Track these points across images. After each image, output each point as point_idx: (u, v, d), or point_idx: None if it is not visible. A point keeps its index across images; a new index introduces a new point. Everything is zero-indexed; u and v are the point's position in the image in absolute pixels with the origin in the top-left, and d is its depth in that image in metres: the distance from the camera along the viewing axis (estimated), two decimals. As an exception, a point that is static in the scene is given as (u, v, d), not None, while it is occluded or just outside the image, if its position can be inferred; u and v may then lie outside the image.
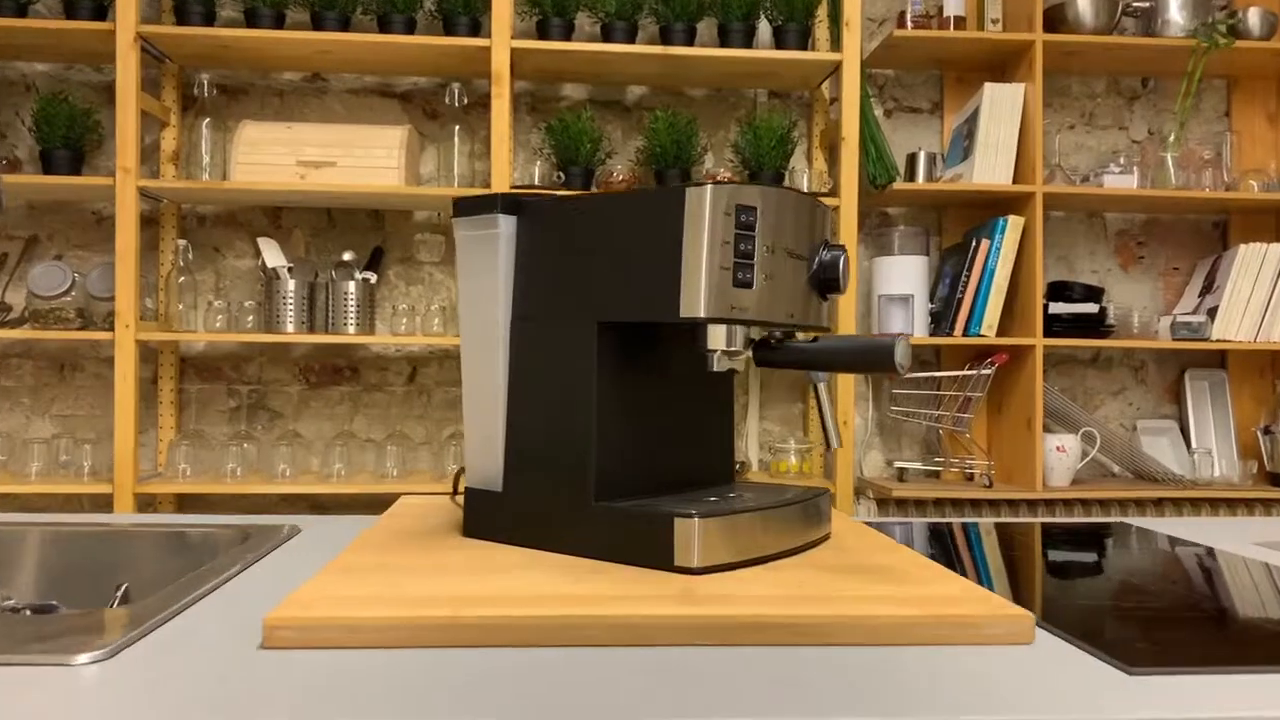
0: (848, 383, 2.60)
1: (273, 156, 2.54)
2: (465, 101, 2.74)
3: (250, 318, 2.68)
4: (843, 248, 0.90)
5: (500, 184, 2.54)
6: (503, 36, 2.54)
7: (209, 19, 2.59)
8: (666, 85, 2.91)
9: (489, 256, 0.89)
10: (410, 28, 2.63)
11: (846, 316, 2.61)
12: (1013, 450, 2.80)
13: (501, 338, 0.89)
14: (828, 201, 2.62)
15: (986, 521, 1.23)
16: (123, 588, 0.87)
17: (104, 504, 2.69)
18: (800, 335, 0.89)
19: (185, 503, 2.79)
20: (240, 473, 2.62)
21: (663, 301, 0.79)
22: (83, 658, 0.60)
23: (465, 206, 0.90)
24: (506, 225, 0.88)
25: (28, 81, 2.79)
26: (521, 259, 0.89)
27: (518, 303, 0.89)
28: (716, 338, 0.87)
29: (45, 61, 2.78)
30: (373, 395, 2.87)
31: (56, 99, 2.56)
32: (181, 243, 2.67)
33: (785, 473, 2.77)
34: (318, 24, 2.60)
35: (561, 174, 2.68)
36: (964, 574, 0.90)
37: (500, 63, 2.54)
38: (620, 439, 0.86)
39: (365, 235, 2.85)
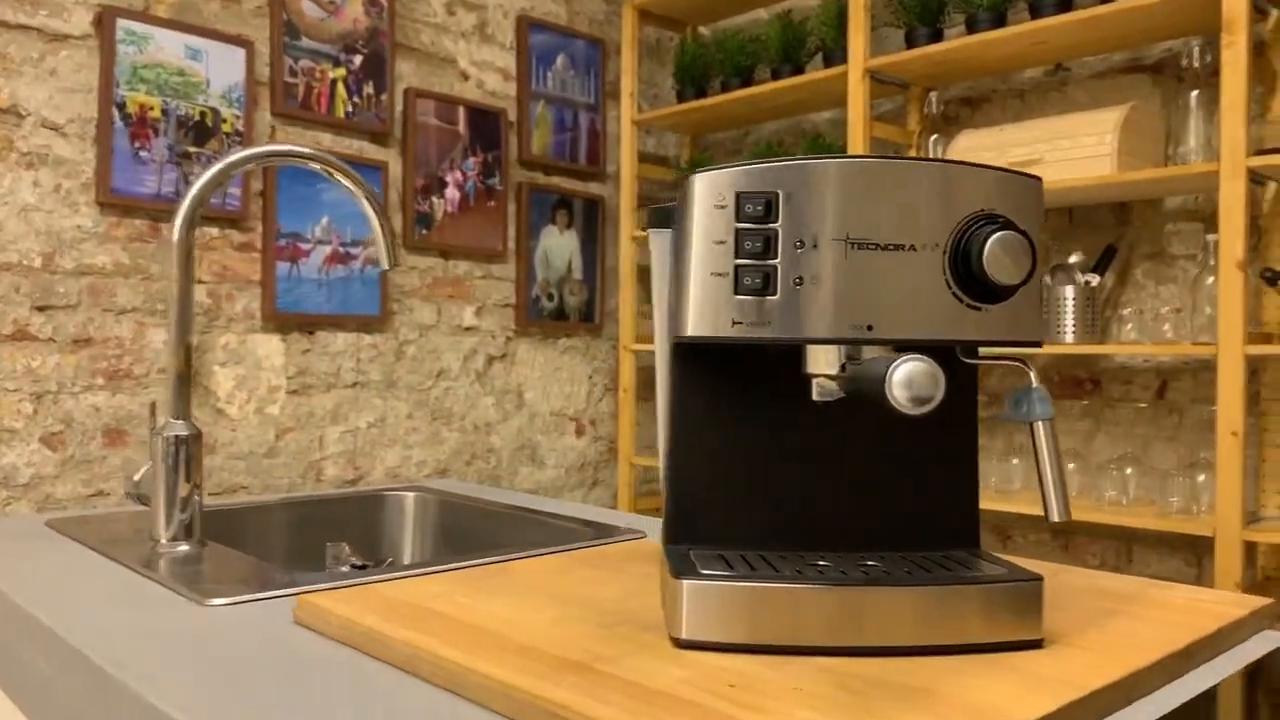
0: None
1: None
2: (1208, 59, 2.26)
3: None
4: (998, 226, 0.61)
5: (1232, 157, 2.04)
6: (1236, -30, 2.03)
7: (937, 37, 2.65)
8: None
9: (656, 275, 0.84)
10: (1136, -11, 2.29)
11: None
12: None
13: (661, 359, 0.83)
14: None
15: None
16: (388, 561, 1.06)
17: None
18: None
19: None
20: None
21: (679, 318, 0.67)
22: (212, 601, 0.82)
23: (651, 220, 0.87)
24: (659, 240, 0.83)
25: (817, 129, 3.22)
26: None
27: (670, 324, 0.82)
28: (814, 359, 0.68)
29: (823, 110, 3.18)
30: (1115, 411, 2.55)
31: (816, 141, 2.93)
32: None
33: None
34: (1035, 13, 2.44)
35: (1336, 127, 2.01)
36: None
37: (1234, 7, 2.04)
38: (714, 476, 0.73)
39: (1109, 232, 2.56)
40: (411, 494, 1.40)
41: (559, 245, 3.30)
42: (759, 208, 0.62)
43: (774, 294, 0.63)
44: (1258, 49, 2.24)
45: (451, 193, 3.00)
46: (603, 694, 0.55)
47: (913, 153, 2.88)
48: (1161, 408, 2.48)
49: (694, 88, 3.24)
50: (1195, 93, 2.24)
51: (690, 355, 0.74)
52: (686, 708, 0.54)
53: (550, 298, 3.28)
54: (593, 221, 3.38)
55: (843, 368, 0.65)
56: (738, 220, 0.63)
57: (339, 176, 1.07)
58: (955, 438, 0.75)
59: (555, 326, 3.29)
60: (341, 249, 2.77)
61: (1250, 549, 2.16)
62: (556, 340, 3.32)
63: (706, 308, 0.63)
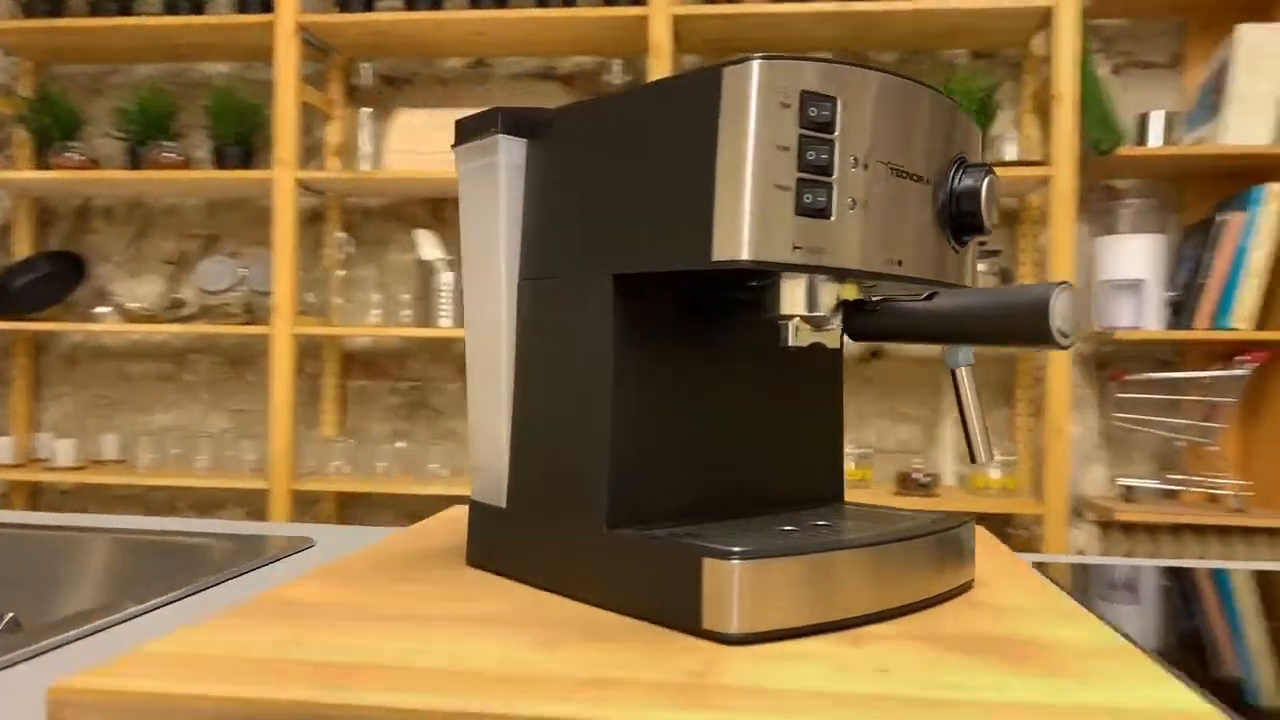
0: (1060, 379, 2.20)
1: (427, 145, 2.44)
2: (628, 79, 2.55)
3: (408, 312, 2.61)
4: (987, 169, 0.61)
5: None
6: (662, 3, 2.32)
7: (369, 6, 2.53)
8: (853, 49, 2.60)
9: (489, 194, 0.67)
10: (570, 1, 2.47)
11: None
12: (1273, 467, 2.30)
13: (505, 302, 0.66)
14: (1037, 173, 2.23)
15: (1243, 567, 0.89)
16: (7, 617, 0.72)
17: (260, 500, 2.68)
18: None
19: (344, 501, 2.75)
20: (395, 473, 2.55)
21: (692, 239, 0.54)
22: None
23: (467, 129, 0.69)
24: (510, 151, 0.66)
25: (211, 83, 2.84)
26: (532, 196, 0.66)
27: (526, 256, 0.66)
28: (792, 298, 0.60)
29: (224, 61, 2.83)
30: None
31: (226, 96, 2.58)
32: (342, 236, 2.63)
33: (984, 489, 2.40)
34: (476, 5, 2.48)
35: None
36: (1190, 668, 0.60)
37: (659, 34, 2.33)
38: (655, 441, 0.61)
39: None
40: None
41: None
42: (825, 113, 0.53)
43: (830, 217, 0.54)
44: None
45: None
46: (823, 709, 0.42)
47: (337, 124, 2.71)
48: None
49: (47, 3, 2.62)
50: (616, 106, 2.50)
51: (637, 297, 0.60)
52: (917, 706, 0.44)
53: None
54: (-115, 153, 2.51)
55: (861, 305, 0.59)
56: (800, 126, 0.53)
57: None
58: (830, 389, 0.73)
59: None
60: None
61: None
62: None
63: (768, 226, 0.52)
